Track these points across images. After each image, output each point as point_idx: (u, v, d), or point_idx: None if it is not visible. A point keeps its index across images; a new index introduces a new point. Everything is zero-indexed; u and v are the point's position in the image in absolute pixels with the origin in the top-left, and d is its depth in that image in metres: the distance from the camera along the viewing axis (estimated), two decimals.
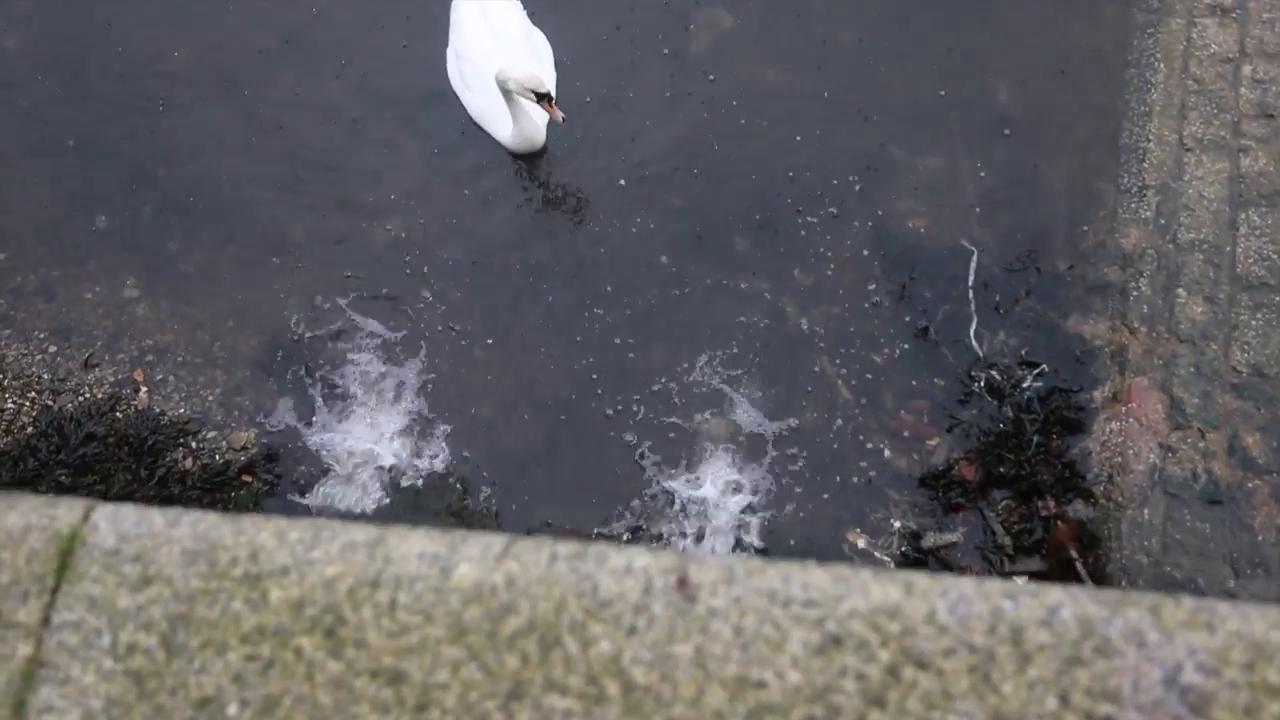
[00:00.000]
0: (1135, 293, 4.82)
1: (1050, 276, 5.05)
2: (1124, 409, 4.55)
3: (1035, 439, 4.65)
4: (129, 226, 5.35)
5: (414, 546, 2.26)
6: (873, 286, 5.10)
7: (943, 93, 5.49)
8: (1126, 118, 5.29)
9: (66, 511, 2.35)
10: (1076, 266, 5.05)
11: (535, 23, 5.49)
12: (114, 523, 2.35)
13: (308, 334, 5.10)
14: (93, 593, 2.22)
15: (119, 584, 2.23)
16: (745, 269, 5.17)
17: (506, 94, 5.03)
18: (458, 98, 5.44)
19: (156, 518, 2.38)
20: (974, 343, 4.93)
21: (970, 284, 5.04)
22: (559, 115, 5.03)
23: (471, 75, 5.27)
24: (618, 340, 5.05)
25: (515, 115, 5.13)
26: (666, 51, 5.64)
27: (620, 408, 4.93)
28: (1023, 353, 4.92)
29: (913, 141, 5.39)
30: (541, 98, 4.95)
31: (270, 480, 4.85)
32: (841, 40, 5.64)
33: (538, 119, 5.22)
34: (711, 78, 5.57)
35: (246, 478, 4.86)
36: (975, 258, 5.08)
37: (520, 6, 5.46)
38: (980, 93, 5.49)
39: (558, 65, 5.44)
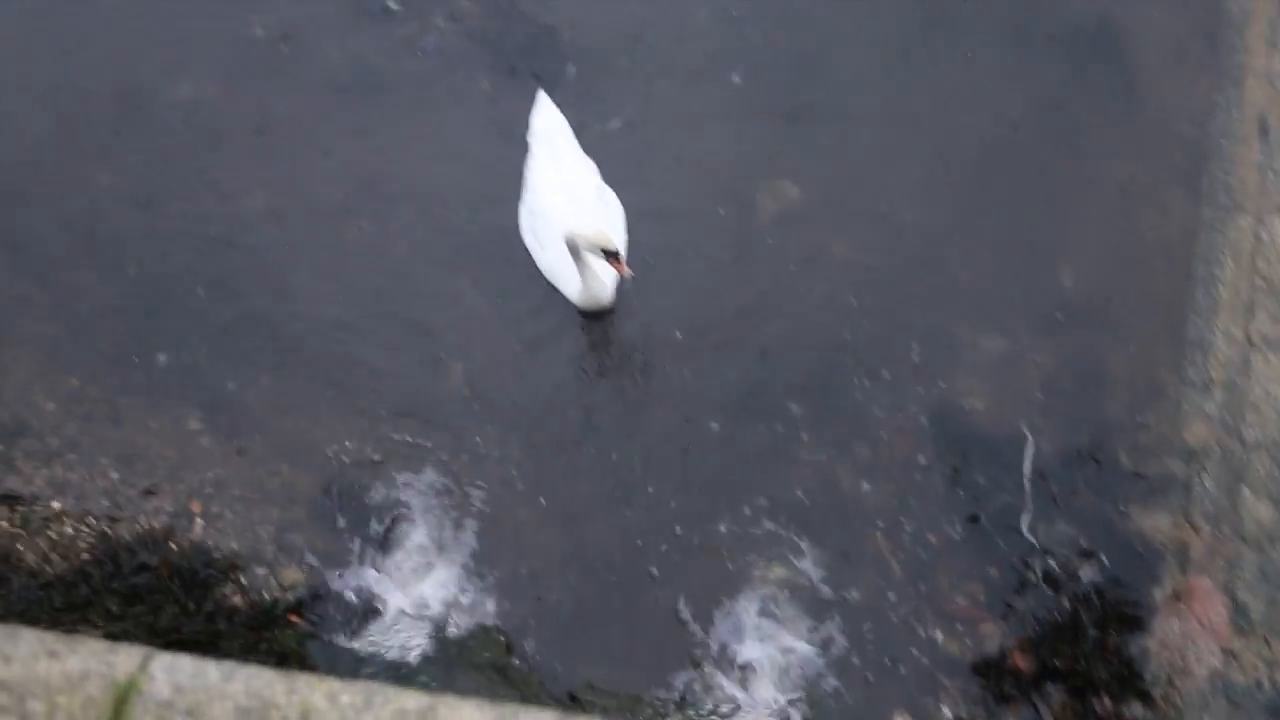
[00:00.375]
0: (1199, 490, 4.77)
1: (1111, 467, 5.01)
2: (1185, 609, 4.46)
3: (1092, 633, 4.56)
4: (197, 359, 5.44)
5: (465, 717, 2.25)
6: (926, 463, 5.08)
7: (1007, 274, 5.54)
8: (1193, 311, 5.31)
9: (125, 659, 2.37)
10: (1138, 459, 5.01)
11: (607, 181, 5.62)
12: (170, 673, 2.36)
13: (362, 475, 5.14)
14: None
15: None
16: (800, 435, 5.17)
17: (575, 253, 5.15)
18: (528, 251, 5.55)
19: (212, 671, 2.39)
20: (1027, 533, 4.88)
21: (1026, 473, 5.01)
22: (626, 272, 5.13)
23: (544, 231, 5.40)
24: (669, 502, 5.05)
25: (584, 274, 5.24)
26: (732, 217, 5.74)
27: (667, 570, 4.90)
28: (1081, 543, 4.85)
29: (975, 321, 5.42)
30: (609, 255, 5.06)
31: (316, 622, 4.84)
32: (906, 217, 5.73)
33: (606, 279, 5.32)
34: (774, 244, 5.66)
35: (293, 618, 4.85)
36: (1030, 445, 5.06)
37: (594, 166, 5.60)
38: (1045, 277, 5.54)
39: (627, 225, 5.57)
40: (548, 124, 5.63)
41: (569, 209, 5.32)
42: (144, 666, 2.28)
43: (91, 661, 2.30)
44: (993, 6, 6.30)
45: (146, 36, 6.29)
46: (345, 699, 2.26)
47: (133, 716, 2.24)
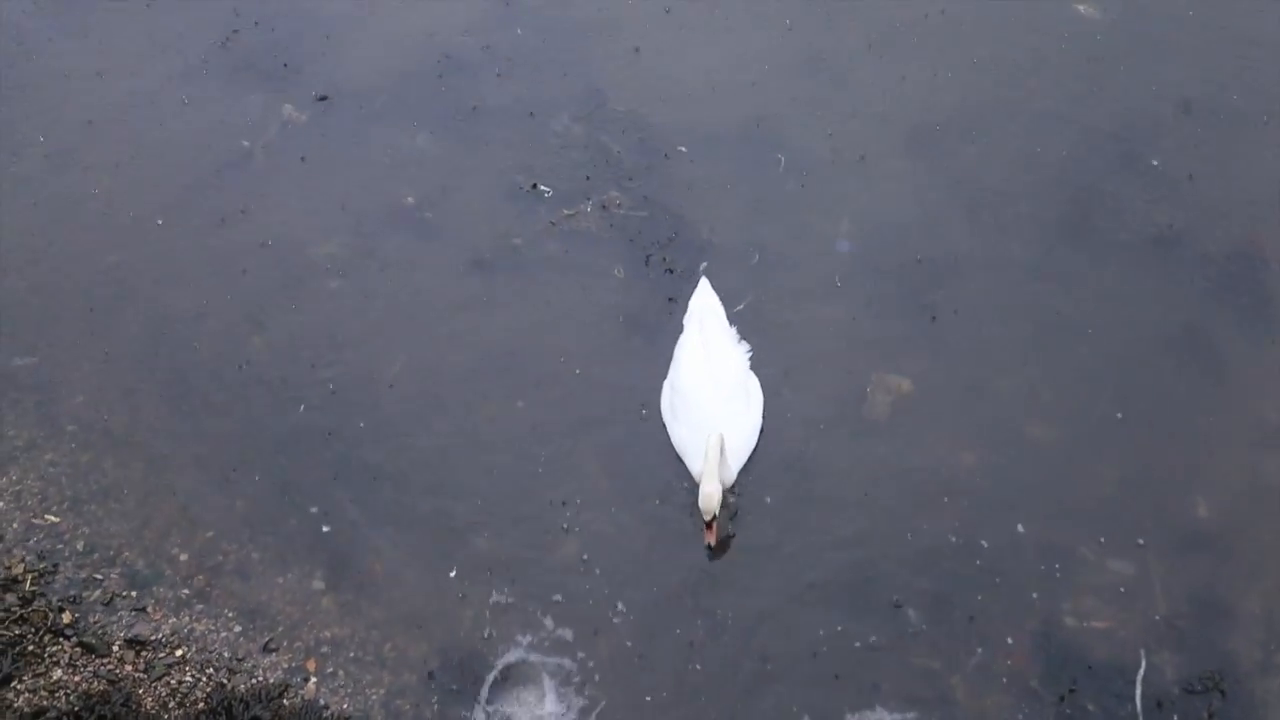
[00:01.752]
0: None
1: (1237, 703, 4.86)
2: None
3: None
4: (327, 524, 5.64)
5: None
6: (1035, 684, 4.99)
7: (1139, 499, 5.50)
8: None
9: None
10: (1266, 698, 4.85)
11: (755, 368, 5.80)
12: None
13: (479, 652, 5.21)
14: None
15: None
16: (914, 642, 5.13)
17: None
18: (665, 427, 5.72)
19: None
20: None
21: (1139, 702, 4.90)
22: (711, 540, 5.32)
23: (682, 408, 5.57)
24: (785, 703, 5.02)
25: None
26: (852, 419, 5.84)
27: None
28: None
29: (1103, 543, 5.37)
30: (707, 523, 5.27)
31: None
32: (1036, 433, 5.76)
33: (731, 463, 5.43)
34: (895, 447, 5.72)
35: None
36: (1142, 670, 4.95)
37: (744, 352, 5.79)
38: (1179, 505, 5.49)
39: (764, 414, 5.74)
40: (704, 306, 5.87)
41: (711, 389, 5.51)
42: None
43: None
44: (1132, 224, 6.45)
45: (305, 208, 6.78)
46: None
47: None
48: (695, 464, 5.50)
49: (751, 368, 5.78)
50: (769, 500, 5.59)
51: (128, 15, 7.79)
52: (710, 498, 5.20)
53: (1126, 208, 6.55)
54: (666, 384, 5.81)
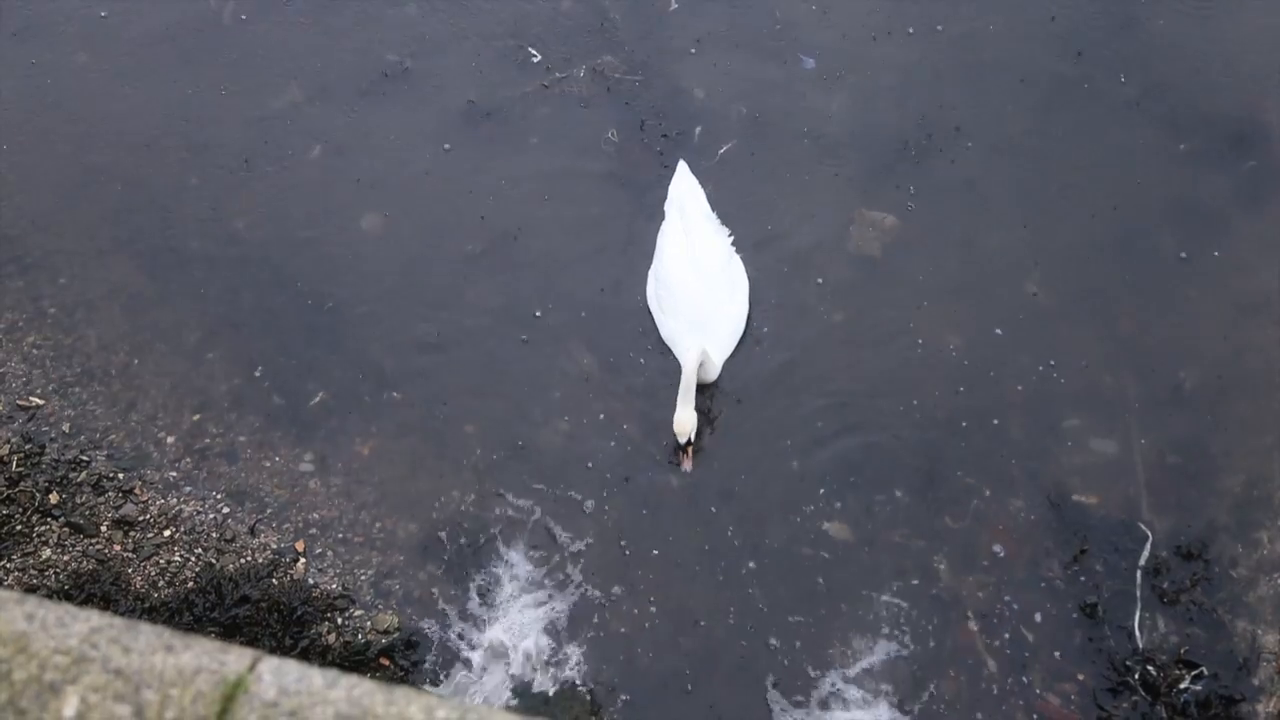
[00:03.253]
0: None
1: (1222, 575, 4.91)
2: None
3: None
4: (313, 405, 5.62)
5: None
6: (1042, 559, 5.02)
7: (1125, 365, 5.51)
8: None
9: (235, 659, 2.46)
10: (1250, 571, 4.89)
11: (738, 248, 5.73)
12: (277, 676, 2.44)
13: (466, 529, 5.23)
14: None
15: None
16: (902, 524, 5.15)
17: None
18: (652, 316, 5.67)
19: (316, 677, 2.47)
20: (1136, 630, 4.78)
21: (1141, 565, 4.94)
22: (687, 466, 5.27)
23: (667, 299, 5.51)
24: (765, 589, 5.05)
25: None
26: (841, 282, 5.79)
27: (757, 647, 4.89)
28: (1182, 651, 4.73)
29: (1090, 419, 5.38)
30: (680, 445, 5.22)
31: (406, 667, 4.92)
32: (1027, 294, 5.72)
33: (715, 357, 5.39)
34: (885, 328, 5.68)
35: (384, 661, 4.93)
36: (1149, 542, 4.99)
37: (726, 235, 5.70)
38: (1165, 373, 5.48)
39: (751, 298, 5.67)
40: (684, 192, 5.77)
41: (694, 279, 5.44)
42: (253, 667, 2.37)
43: (204, 659, 2.39)
44: (1133, 91, 6.34)
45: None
46: (440, 714, 2.31)
47: (239, 714, 2.32)
48: (685, 354, 5.44)
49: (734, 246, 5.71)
50: (759, 388, 5.55)
51: None
52: (683, 423, 5.15)
53: (1125, 69, 6.40)
54: (650, 273, 5.73)
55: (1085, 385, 5.44)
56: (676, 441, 5.25)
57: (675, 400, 5.21)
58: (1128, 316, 5.62)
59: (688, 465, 5.28)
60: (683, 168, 5.86)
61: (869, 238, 5.91)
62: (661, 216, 5.81)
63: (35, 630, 2.49)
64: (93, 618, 2.54)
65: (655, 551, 5.16)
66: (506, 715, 2.38)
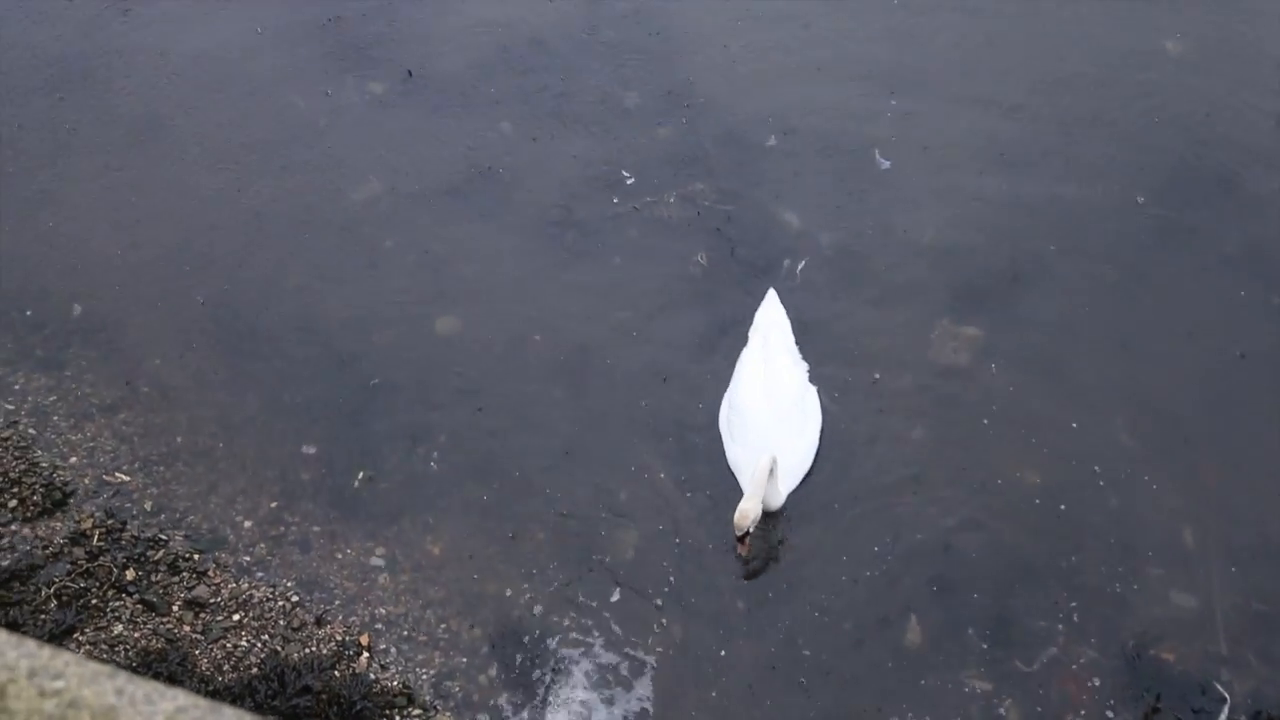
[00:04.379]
0: None
1: None
2: None
3: None
4: (391, 502, 5.69)
5: None
6: (1113, 713, 4.90)
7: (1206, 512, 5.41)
8: None
9: None
10: None
11: (814, 379, 5.77)
12: None
13: (531, 636, 5.23)
14: None
15: None
16: (972, 664, 5.06)
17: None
18: (721, 441, 5.68)
19: None
20: None
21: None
22: (742, 551, 5.23)
23: (738, 427, 5.53)
24: (821, 698, 4.97)
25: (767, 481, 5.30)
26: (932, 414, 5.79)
27: None
28: None
29: (1171, 570, 5.28)
30: (739, 535, 5.16)
31: None
32: (1113, 434, 5.67)
33: (780, 487, 5.38)
34: (964, 470, 5.65)
35: None
36: (1227, 705, 4.85)
37: (805, 368, 5.74)
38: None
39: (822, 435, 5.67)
40: (769, 320, 5.80)
41: (767, 411, 5.45)
42: None
43: None
44: (1232, 247, 6.34)
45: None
46: None
47: None
48: (747, 483, 5.44)
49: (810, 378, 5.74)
50: (823, 520, 5.52)
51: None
52: (745, 515, 5.11)
53: (1224, 223, 6.41)
54: (725, 399, 5.76)
55: (1168, 535, 5.35)
56: (736, 529, 5.16)
57: (768, 499, 5.23)
58: (1214, 468, 5.55)
59: (744, 550, 5.21)
60: (771, 296, 5.91)
61: (953, 366, 5.93)
62: (743, 341, 5.87)
63: (124, 705, 2.53)
64: (179, 697, 2.57)
65: (715, 660, 5.11)
66: None
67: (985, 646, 5.10)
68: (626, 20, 7.64)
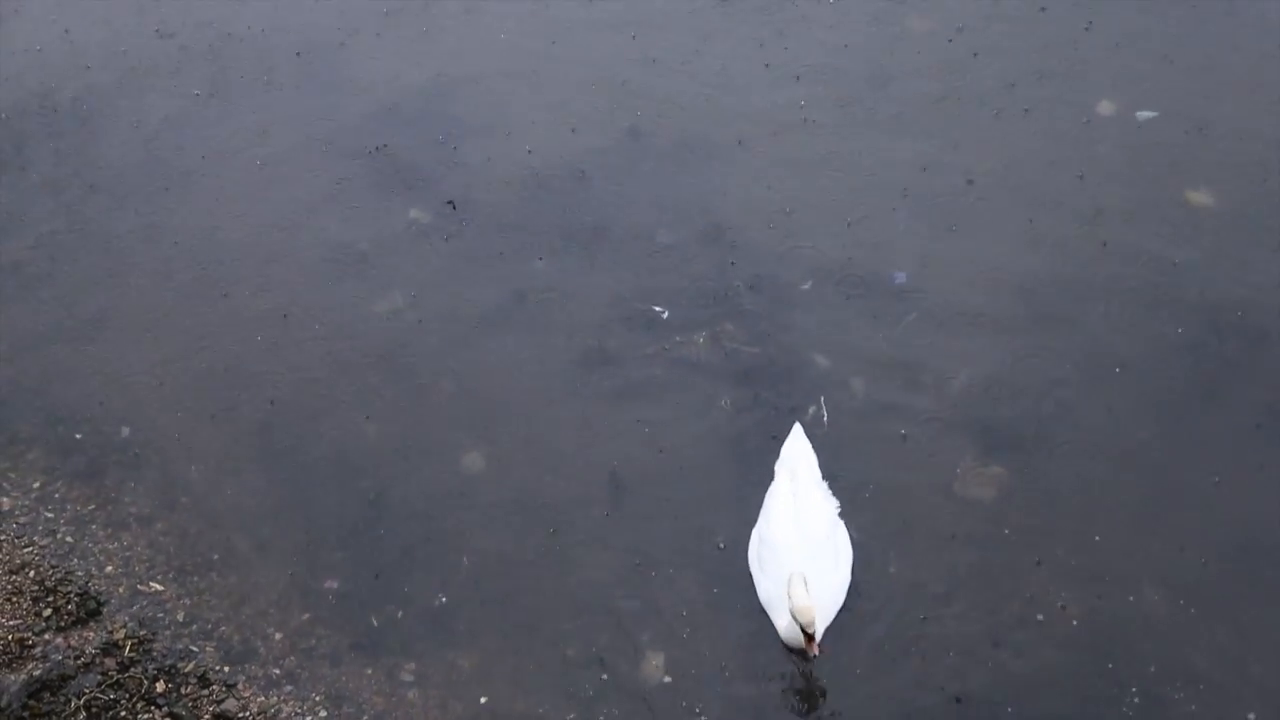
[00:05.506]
0: None
1: None
2: None
3: None
4: (423, 619, 5.68)
5: None
6: None
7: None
8: None
9: None
10: None
11: (845, 516, 5.69)
12: None
13: None
14: None
15: None
16: None
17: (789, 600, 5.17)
18: (752, 576, 5.59)
19: None
20: None
21: None
22: (814, 652, 5.11)
23: (769, 561, 5.45)
24: None
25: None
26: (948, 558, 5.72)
27: None
28: None
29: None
30: (806, 634, 5.07)
31: None
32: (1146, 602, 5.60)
33: (817, 622, 5.29)
34: (992, 608, 5.57)
35: None
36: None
37: (834, 502, 5.69)
38: None
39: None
40: (796, 454, 5.74)
41: (799, 544, 5.39)
42: None
43: None
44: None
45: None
46: None
47: None
48: (779, 619, 5.35)
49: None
50: (858, 669, 5.42)
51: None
52: (805, 608, 4.97)
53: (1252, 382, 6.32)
54: (754, 533, 5.70)
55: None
56: (804, 630, 5.01)
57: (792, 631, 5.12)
58: (1243, 632, 5.43)
59: (815, 651, 5.06)
60: (797, 430, 5.85)
61: (976, 511, 5.88)
62: (770, 478, 5.76)
63: None
64: None
65: None
66: None
67: None
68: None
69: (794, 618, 5.04)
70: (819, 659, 5.24)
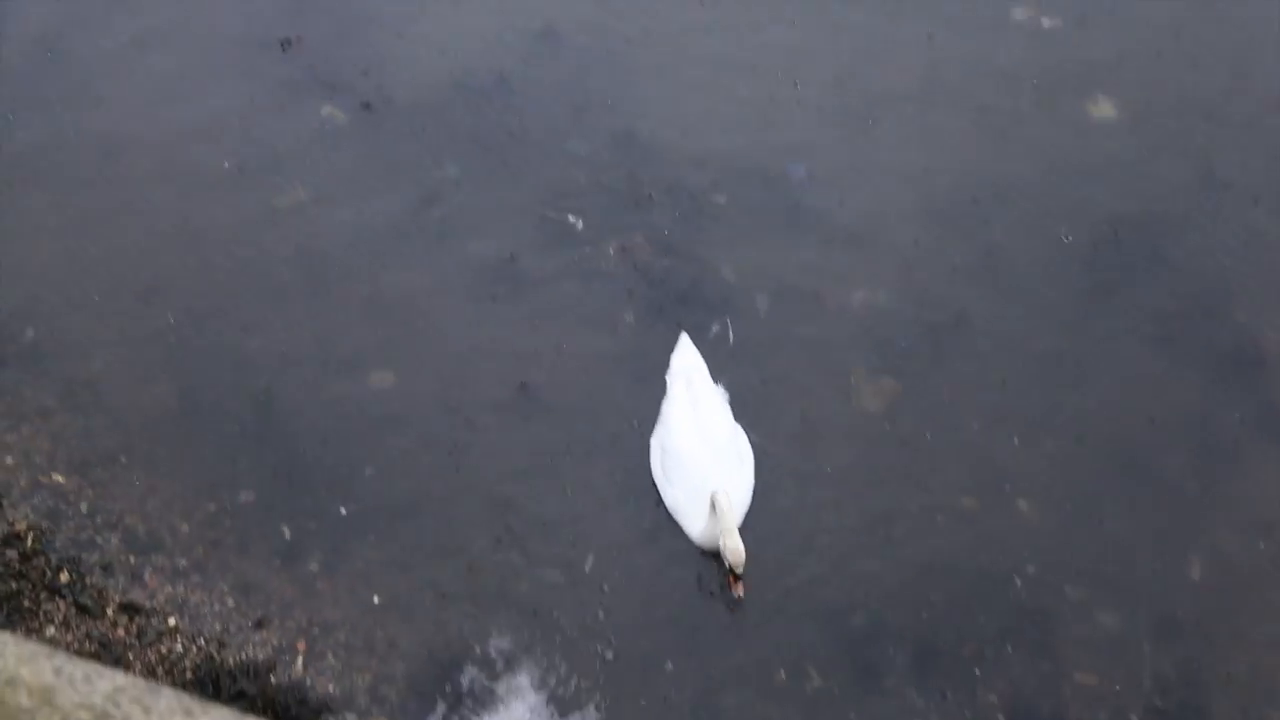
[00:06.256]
0: None
1: None
2: None
3: None
4: (331, 511, 5.68)
5: None
6: None
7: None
8: None
9: None
10: None
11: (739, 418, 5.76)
12: None
13: (470, 645, 5.24)
14: None
15: None
16: (897, 691, 5.13)
17: (712, 506, 5.26)
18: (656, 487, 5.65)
19: None
20: None
21: None
22: (739, 592, 5.24)
23: (674, 469, 5.52)
24: None
25: (709, 520, 5.31)
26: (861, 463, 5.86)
27: None
28: None
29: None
30: (731, 572, 5.19)
31: None
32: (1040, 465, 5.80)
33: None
34: (899, 509, 5.70)
35: None
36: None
37: (728, 406, 5.75)
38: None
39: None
40: (687, 364, 5.80)
41: (701, 450, 5.48)
42: None
43: None
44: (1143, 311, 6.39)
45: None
46: None
47: None
48: (692, 525, 5.45)
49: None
50: (772, 559, 5.48)
51: None
52: (739, 552, 5.12)
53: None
54: (655, 443, 5.73)
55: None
56: (731, 570, 5.19)
57: (717, 536, 5.21)
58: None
59: (740, 591, 5.22)
60: (684, 340, 5.90)
61: (872, 412, 6.00)
62: (663, 388, 5.83)
63: (62, 684, 2.54)
64: (117, 677, 2.59)
65: (662, 695, 5.15)
66: None
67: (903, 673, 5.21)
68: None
69: (724, 554, 5.16)
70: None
